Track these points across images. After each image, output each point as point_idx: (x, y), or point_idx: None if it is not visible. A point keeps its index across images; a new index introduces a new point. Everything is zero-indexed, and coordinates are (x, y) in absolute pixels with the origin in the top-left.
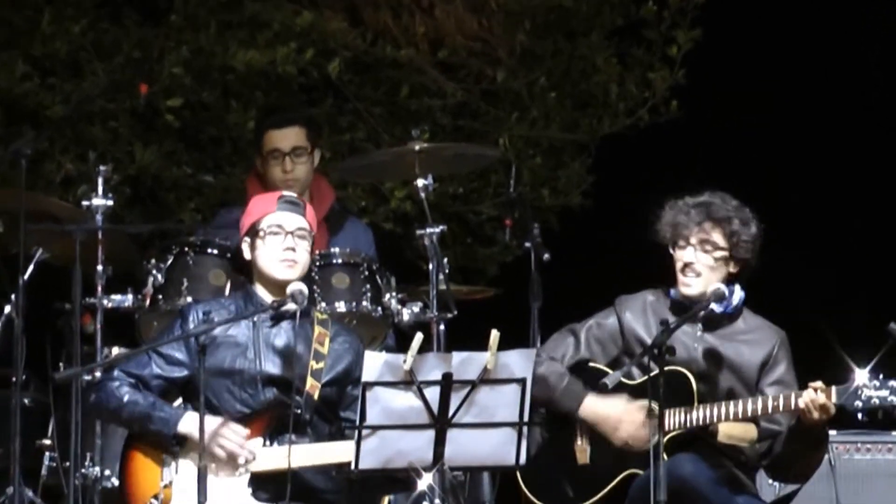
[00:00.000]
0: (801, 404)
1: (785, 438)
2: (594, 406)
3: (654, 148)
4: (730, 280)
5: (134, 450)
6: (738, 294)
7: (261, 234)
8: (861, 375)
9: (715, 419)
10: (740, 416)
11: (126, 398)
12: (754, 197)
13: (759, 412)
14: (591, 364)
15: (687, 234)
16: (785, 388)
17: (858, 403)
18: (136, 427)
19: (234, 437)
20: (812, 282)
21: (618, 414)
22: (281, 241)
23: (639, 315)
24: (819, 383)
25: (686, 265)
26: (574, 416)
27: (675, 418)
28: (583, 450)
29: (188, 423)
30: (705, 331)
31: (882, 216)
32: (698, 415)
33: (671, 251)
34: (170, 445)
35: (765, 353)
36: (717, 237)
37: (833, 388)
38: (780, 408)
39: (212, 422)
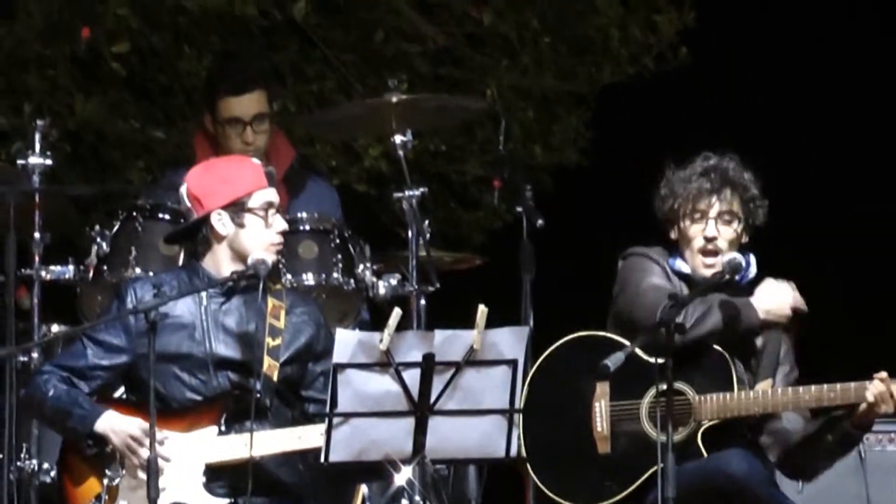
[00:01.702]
0: (871, 397)
1: (811, 434)
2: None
3: (659, 99)
4: (740, 250)
5: (73, 447)
6: (753, 264)
7: (254, 211)
8: None
9: (760, 410)
10: (790, 406)
11: (50, 393)
12: (768, 154)
13: (814, 403)
14: (610, 336)
15: (705, 206)
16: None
17: None
18: (58, 426)
19: (141, 441)
20: (828, 255)
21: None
22: (274, 222)
23: (662, 274)
24: (884, 374)
25: (708, 241)
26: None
27: (710, 405)
28: (603, 437)
29: (106, 421)
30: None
31: None
32: (741, 404)
33: (680, 225)
34: (84, 447)
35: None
36: (737, 206)
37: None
38: (839, 399)
39: (127, 425)
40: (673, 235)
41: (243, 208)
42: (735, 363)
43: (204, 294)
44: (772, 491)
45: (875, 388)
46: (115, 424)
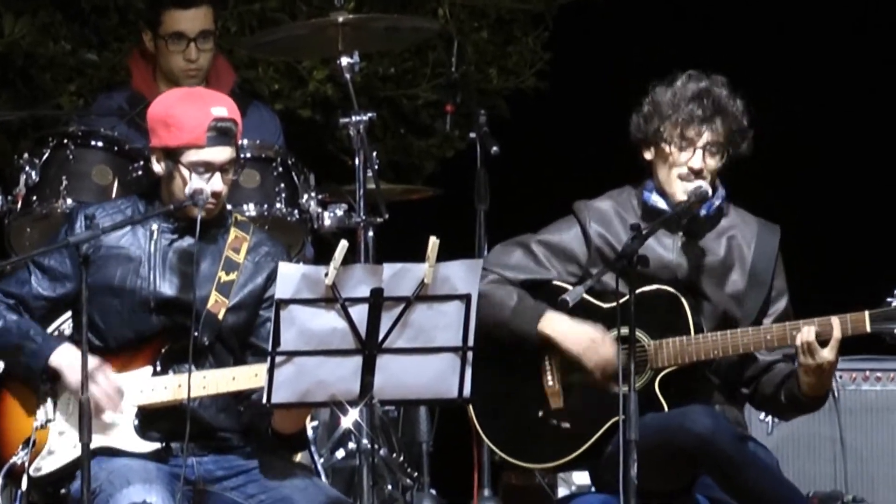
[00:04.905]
0: (798, 341)
1: (785, 395)
2: (558, 322)
3: (622, 19)
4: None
5: (5, 389)
6: (720, 192)
7: (181, 165)
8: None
9: (720, 353)
10: (752, 347)
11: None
12: (746, 83)
13: (777, 343)
14: (554, 282)
15: (694, 134)
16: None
17: None
18: (8, 360)
19: (105, 384)
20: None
21: (588, 332)
22: (206, 178)
23: (607, 224)
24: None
25: (694, 172)
26: (532, 337)
27: (667, 351)
28: (555, 392)
29: (61, 356)
30: (688, 237)
31: None
32: (699, 347)
33: (664, 148)
34: (40, 381)
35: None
36: (724, 137)
37: (867, 314)
38: (788, 340)
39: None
40: (648, 156)
41: (175, 160)
42: (692, 306)
43: (155, 228)
44: (739, 446)
45: (803, 335)
46: (71, 360)
